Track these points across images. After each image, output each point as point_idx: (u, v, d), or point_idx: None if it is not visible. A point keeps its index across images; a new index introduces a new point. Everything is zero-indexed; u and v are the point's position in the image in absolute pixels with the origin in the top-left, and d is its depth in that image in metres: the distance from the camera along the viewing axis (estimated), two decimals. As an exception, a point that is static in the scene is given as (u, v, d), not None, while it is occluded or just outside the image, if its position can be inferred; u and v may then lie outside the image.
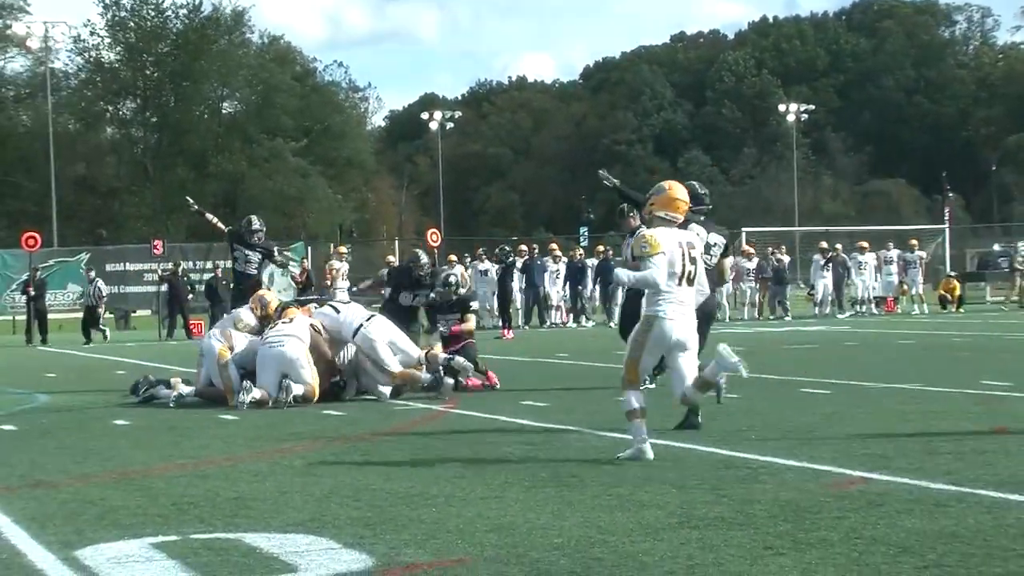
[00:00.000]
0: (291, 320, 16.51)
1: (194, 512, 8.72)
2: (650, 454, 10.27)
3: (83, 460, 11.56)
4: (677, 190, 10.95)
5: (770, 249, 42.96)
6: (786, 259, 43.19)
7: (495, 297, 37.73)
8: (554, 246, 41.37)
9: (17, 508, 9.11)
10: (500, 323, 36.00)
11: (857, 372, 18.38)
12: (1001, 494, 8.51)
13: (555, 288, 39.21)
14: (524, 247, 41.98)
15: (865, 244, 43.14)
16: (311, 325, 16.58)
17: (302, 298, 24.93)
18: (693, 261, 10.67)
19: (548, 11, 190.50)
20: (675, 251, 10.55)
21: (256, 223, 20.80)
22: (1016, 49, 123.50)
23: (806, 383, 16.60)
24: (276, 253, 21.61)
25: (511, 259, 37.25)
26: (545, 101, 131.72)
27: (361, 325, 16.45)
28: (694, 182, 13.94)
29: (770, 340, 27.51)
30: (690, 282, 10.62)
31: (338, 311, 16.95)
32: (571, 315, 39.24)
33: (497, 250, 39.16)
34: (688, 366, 10.66)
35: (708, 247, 13.76)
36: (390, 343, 16.43)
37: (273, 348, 16.05)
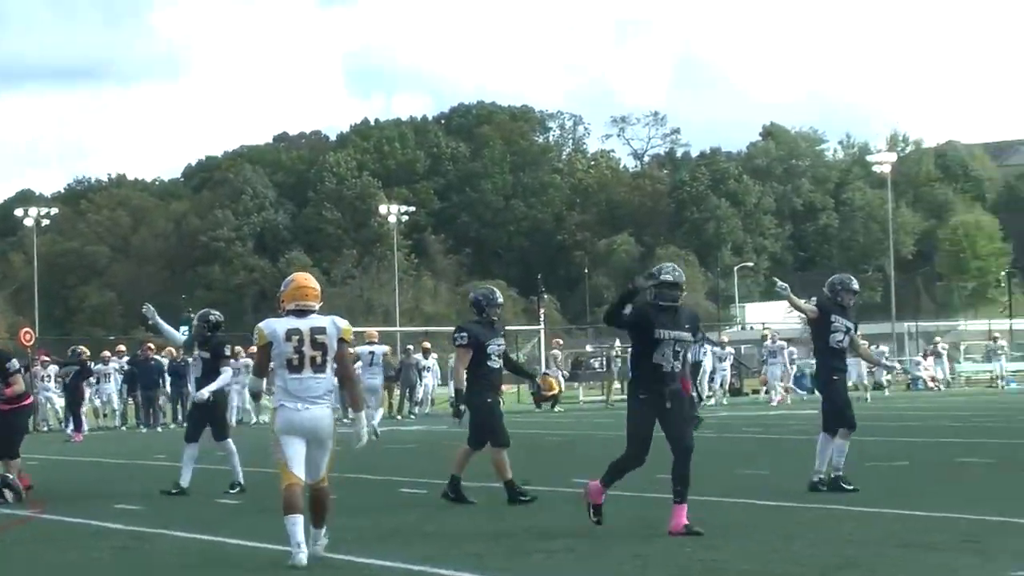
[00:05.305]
0: None
1: None
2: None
3: None
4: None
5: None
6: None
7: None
8: (151, 346, 40.12)
9: None
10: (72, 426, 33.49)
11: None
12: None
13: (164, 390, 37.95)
14: (122, 347, 41.15)
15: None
16: None
17: None
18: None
19: (149, 107, 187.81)
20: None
21: None
22: (606, 156, 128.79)
23: (405, 483, 16.70)
24: None
25: (80, 361, 34.96)
26: (145, 199, 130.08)
27: None
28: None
29: (368, 442, 27.48)
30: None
31: None
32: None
33: (69, 352, 37.13)
34: None
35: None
36: None
37: None
